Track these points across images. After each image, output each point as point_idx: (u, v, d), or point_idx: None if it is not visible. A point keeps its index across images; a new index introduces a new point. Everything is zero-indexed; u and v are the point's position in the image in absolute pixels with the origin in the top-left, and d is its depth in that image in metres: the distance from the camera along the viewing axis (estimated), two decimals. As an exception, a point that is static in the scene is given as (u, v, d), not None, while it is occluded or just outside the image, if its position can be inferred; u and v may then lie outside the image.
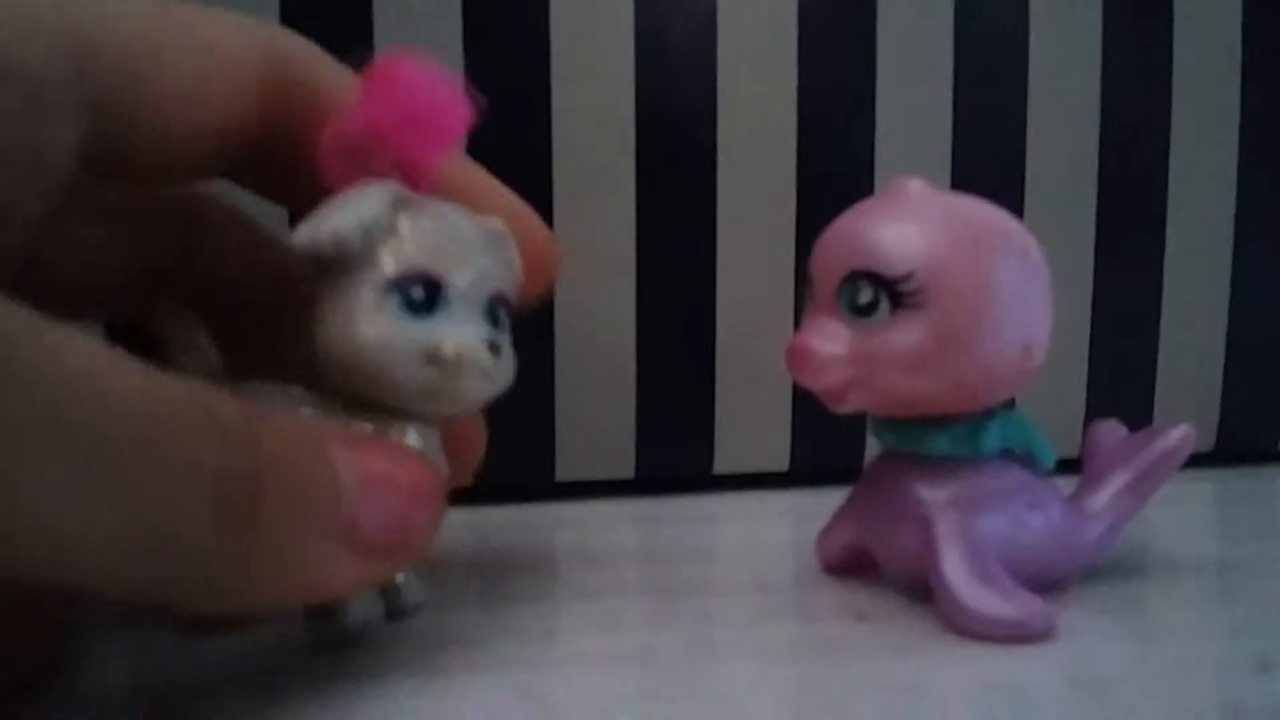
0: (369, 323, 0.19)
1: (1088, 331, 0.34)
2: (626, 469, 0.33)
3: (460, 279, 0.19)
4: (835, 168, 0.32)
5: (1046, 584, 0.22)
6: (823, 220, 0.22)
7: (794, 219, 0.32)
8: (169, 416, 0.14)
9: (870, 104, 0.32)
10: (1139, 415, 0.34)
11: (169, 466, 0.14)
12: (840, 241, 0.21)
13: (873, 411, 0.22)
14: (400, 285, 0.19)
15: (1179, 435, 0.23)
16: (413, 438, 0.20)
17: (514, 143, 0.31)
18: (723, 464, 0.33)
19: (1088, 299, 0.34)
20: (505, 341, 0.20)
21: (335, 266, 0.19)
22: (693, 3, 0.31)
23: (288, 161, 0.20)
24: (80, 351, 0.13)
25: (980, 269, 0.20)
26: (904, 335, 0.20)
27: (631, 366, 0.32)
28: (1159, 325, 0.34)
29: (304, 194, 0.20)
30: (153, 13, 0.18)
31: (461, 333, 0.19)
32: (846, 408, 0.21)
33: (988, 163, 0.33)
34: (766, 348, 0.32)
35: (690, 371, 0.32)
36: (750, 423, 0.33)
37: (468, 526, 0.30)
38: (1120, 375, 0.34)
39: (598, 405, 0.32)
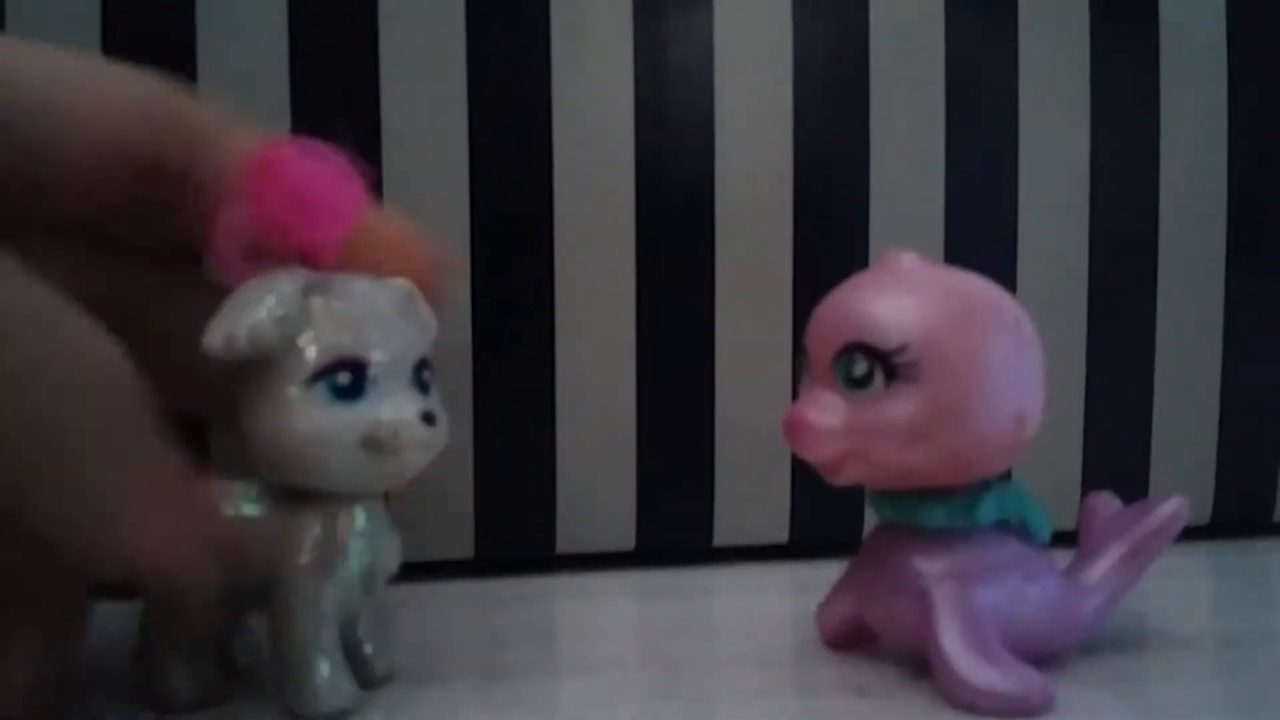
0: (300, 417, 0.19)
1: (1082, 405, 0.34)
2: (627, 541, 0.33)
3: (383, 355, 0.19)
4: (830, 243, 0.33)
5: (1044, 657, 0.22)
6: (818, 293, 0.23)
7: (790, 292, 0.33)
8: (71, 340, 0.17)
9: (864, 179, 0.33)
10: (1134, 488, 0.34)
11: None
12: (835, 315, 0.22)
13: (870, 483, 0.23)
14: (326, 374, 0.19)
15: (1173, 508, 0.23)
16: (360, 520, 0.20)
17: (517, 224, 0.31)
18: (722, 536, 0.33)
19: (1081, 372, 0.34)
20: (437, 405, 0.20)
21: (255, 363, 0.19)
22: (690, 83, 0.32)
23: (174, 199, 0.20)
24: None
25: (973, 342, 0.21)
26: (898, 407, 0.20)
27: (631, 439, 0.32)
28: (1152, 398, 0.35)
29: (182, 236, 0.21)
30: (45, 54, 0.19)
31: (396, 410, 0.19)
32: (843, 479, 0.21)
33: (980, 236, 0.33)
34: (765, 420, 0.32)
35: (690, 444, 0.33)
36: (749, 495, 0.33)
37: (468, 598, 0.30)
38: (1115, 448, 0.34)
39: (598, 477, 0.32)
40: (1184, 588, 0.30)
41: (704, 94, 0.32)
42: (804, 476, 0.32)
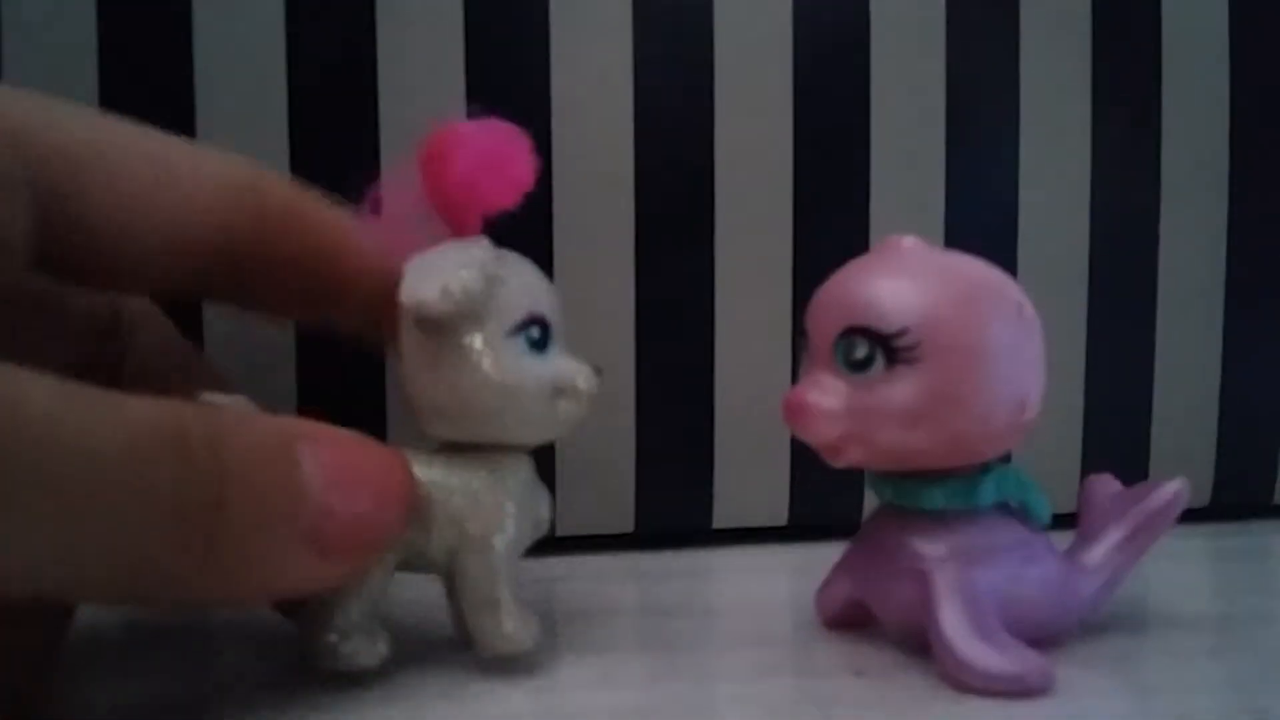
0: (505, 368, 0.20)
1: (1082, 388, 0.34)
2: (626, 523, 0.33)
3: (553, 315, 0.21)
4: (830, 227, 0.33)
5: (1044, 639, 0.22)
6: (818, 277, 0.22)
7: (790, 276, 0.32)
8: (126, 448, 0.15)
9: (865, 163, 0.33)
10: (1134, 470, 0.34)
11: (126, 495, 0.15)
12: (835, 298, 0.22)
13: (870, 466, 0.23)
14: (523, 329, 0.20)
15: (1173, 490, 0.23)
16: (528, 472, 0.22)
17: (516, 216, 0.31)
18: (722, 518, 0.33)
19: (1081, 355, 0.34)
20: None
21: (453, 321, 0.20)
22: (689, 69, 0.32)
23: (264, 284, 0.21)
24: (35, 398, 0.14)
25: (974, 325, 0.20)
26: (899, 390, 0.20)
27: (631, 422, 0.32)
28: (1152, 381, 0.35)
29: (280, 313, 0.22)
30: (99, 123, 0.19)
31: (577, 364, 0.21)
32: (843, 462, 0.21)
33: (980, 220, 0.33)
34: (765, 403, 0.32)
35: (689, 426, 0.33)
36: (749, 477, 0.33)
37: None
38: (1115, 431, 0.34)
39: (597, 460, 0.32)
40: (1183, 570, 0.30)
41: (704, 79, 0.32)
42: (804, 459, 0.33)
